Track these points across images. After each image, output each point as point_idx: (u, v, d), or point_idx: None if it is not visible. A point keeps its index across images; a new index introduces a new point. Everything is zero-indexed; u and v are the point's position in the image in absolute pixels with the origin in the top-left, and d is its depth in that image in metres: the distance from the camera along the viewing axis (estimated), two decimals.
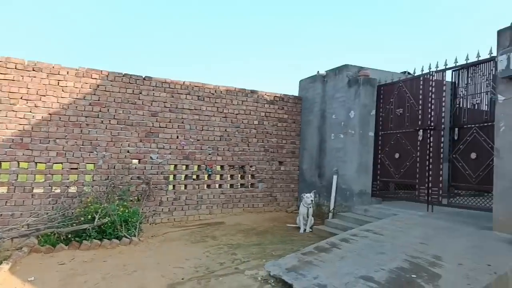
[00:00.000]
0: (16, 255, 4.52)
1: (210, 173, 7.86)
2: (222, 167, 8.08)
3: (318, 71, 8.59)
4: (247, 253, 5.23)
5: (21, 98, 6.19)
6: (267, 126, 8.64)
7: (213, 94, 7.98)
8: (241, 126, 8.28)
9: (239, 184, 8.27)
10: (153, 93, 7.33)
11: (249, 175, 8.40)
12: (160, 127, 7.36)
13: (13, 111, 6.11)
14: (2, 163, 5.99)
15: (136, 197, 6.90)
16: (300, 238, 6.32)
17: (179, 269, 4.58)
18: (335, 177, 7.68)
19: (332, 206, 7.60)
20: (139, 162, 7.16)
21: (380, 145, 7.39)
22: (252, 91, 8.50)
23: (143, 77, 7.27)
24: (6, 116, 6.05)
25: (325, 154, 8.18)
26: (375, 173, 7.40)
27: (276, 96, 8.84)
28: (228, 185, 8.14)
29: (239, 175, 8.30)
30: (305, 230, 6.83)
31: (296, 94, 9.43)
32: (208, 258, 5.05)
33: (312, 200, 6.80)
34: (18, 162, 6.10)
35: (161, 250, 5.43)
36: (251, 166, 8.38)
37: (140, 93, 7.20)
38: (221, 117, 8.04)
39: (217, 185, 8.00)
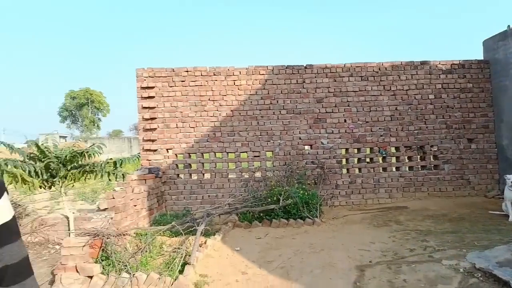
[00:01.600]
0: (224, 229, 5.35)
1: (384, 155, 7.44)
2: (397, 148, 7.52)
3: (508, 26, 6.97)
4: (440, 241, 4.69)
5: (209, 99, 7.26)
6: (446, 99, 7.55)
7: (377, 72, 7.50)
8: (414, 103, 7.50)
9: (419, 166, 7.53)
10: (316, 80, 7.42)
11: (431, 156, 7.54)
12: (326, 112, 7.40)
13: (205, 111, 7.24)
14: (204, 154, 7.21)
15: (312, 181, 7.16)
16: (509, 228, 5.26)
17: (365, 251, 4.49)
18: None
19: None
20: (311, 148, 7.39)
21: None
22: (423, 62, 7.58)
23: (305, 66, 7.44)
24: (201, 116, 7.22)
25: None
26: None
27: (454, 64, 7.62)
28: (407, 167, 7.51)
29: (419, 157, 7.55)
30: None
31: (480, 57, 7.88)
32: (394, 243, 4.77)
33: None
34: (214, 152, 7.22)
35: (344, 232, 5.45)
36: (431, 146, 7.50)
37: (304, 81, 7.40)
38: (389, 95, 7.48)
39: (394, 168, 7.50)
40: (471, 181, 7.50)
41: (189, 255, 4.21)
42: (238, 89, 7.32)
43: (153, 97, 7.15)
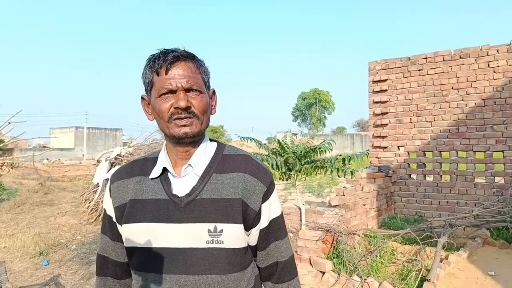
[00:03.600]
0: (470, 245, 4.38)
1: None
2: None
3: None
4: None
5: (452, 88, 6.16)
6: None
7: None
8: None
9: None
10: None
11: None
12: None
13: (446, 102, 6.20)
14: (442, 152, 6.22)
15: None
16: None
17: None
18: None
19: None
20: None
21: None
22: None
23: None
24: (440, 108, 6.24)
25: None
26: None
27: None
28: None
29: None
30: None
31: None
32: None
33: None
34: (456, 151, 6.10)
35: None
36: None
37: None
38: None
39: None
40: None
41: (427, 270, 3.65)
42: (494, 72, 5.88)
43: (385, 90, 6.75)
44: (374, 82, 6.84)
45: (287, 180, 6.95)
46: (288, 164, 6.64)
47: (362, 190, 5.26)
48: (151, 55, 1.01)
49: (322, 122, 53.89)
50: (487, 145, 5.84)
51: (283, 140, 6.98)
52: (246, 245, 1.05)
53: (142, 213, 1.01)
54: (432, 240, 4.11)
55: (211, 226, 0.98)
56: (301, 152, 6.56)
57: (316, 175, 6.87)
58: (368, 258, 4.00)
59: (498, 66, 5.83)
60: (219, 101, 1.13)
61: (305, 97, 53.22)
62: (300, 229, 5.46)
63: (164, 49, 1.00)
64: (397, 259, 4.12)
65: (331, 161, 6.47)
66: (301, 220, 6.64)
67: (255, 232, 1.05)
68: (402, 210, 6.35)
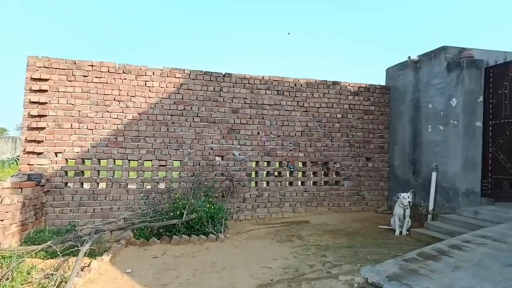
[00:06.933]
0: (115, 247, 4.73)
1: (292, 170, 7.57)
2: (304, 163, 7.73)
3: (409, 57, 7.72)
4: (338, 256, 4.85)
5: (114, 99, 6.55)
6: (351, 119, 8.04)
7: (293, 87, 7.67)
8: (323, 120, 7.83)
9: (322, 181, 7.83)
10: (233, 90, 7.26)
11: (333, 172, 7.91)
12: (241, 123, 7.27)
13: (108, 111, 6.50)
14: (101, 160, 6.42)
15: (220, 194, 6.90)
16: (396, 242, 5.70)
17: (267, 269, 4.40)
18: (434, 174, 6.80)
19: (431, 207, 6.76)
20: (222, 159, 7.15)
21: (491, 136, 6.35)
22: (335, 83, 7.98)
23: (223, 74, 7.24)
24: (102, 117, 6.46)
25: (421, 148, 7.31)
26: (486, 170, 6.37)
27: (360, 87, 8.19)
28: (311, 182, 7.76)
29: (323, 172, 7.86)
30: (401, 232, 6.18)
31: (383, 83, 8.65)
32: (296, 259, 4.79)
33: (410, 201, 6.15)
34: (114, 159, 6.49)
35: (247, 248, 5.30)
36: (335, 163, 7.88)
37: (221, 90, 7.18)
38: (302, 112, 7.69)
39: (299, 183, 7.67)
40: (365, 197, 8.08)
41: (66, 282, 3.56)
42: (150, 91, 6.75)
43: (46, 91, 6.17)
44: (32, 79, 6.11)
45: None
46: None
47: (1, 202, 4.46)
48: None
49: None
50: (140, 155, 6.61)
51: None
52: None
53: None
54: (76, 249, 4.08)
55: None
56: None
57: None
58: None
59: (153, 86, 6.77)
60: None
61: None
62: None
63: None
64: (35, 278, 3.76)
65: None
66: None
67: None
68: (54, 221, 5.98)
